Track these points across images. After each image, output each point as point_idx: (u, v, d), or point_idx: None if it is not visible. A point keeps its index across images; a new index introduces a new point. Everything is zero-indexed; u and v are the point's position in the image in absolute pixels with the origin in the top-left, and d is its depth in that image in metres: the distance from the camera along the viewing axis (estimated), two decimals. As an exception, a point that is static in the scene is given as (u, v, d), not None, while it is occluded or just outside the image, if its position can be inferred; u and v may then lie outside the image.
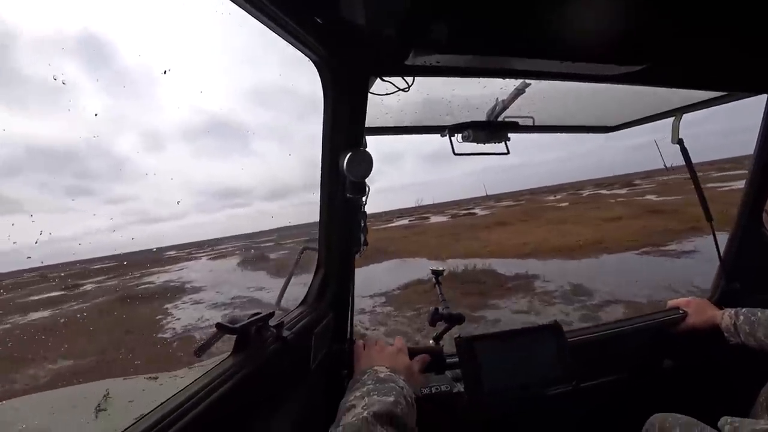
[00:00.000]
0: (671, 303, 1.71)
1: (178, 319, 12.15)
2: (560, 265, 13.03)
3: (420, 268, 15.11)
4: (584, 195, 48.73)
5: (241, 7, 0.75)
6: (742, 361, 1.47)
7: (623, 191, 44.35)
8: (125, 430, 0.62)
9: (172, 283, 20.12)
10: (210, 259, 34.13)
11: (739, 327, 1.44)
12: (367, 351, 1.09)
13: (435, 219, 46.23)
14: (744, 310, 1.45)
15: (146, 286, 20.32)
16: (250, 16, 0.78)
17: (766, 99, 1.52)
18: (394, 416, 0.75)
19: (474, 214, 45.40)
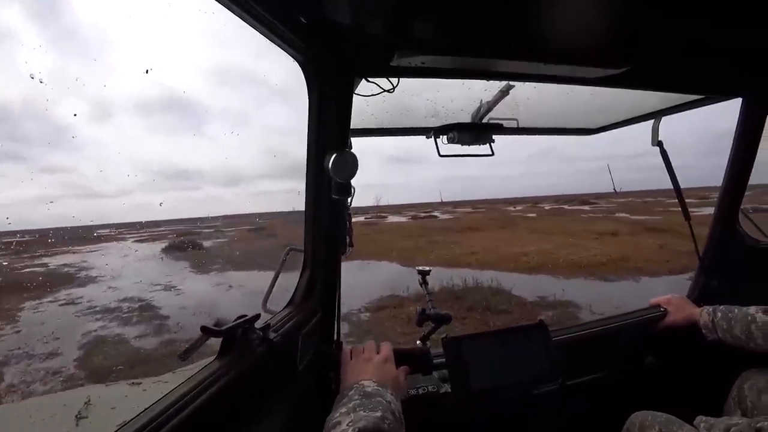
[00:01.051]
0: (652, 301, 1.77)
1: (18, 331, 8.50)
2: (592, 288, 10.43)
3: (392, 276, 12.22)
4: (547, 208, 48.86)
5: (223, 5, 0.75)
6: (719, 357, 1.55)
7: (586, 208, 44.94)
8: None
9: (66, 269, 16.55)
10: (136, 241, 30.21)
11: (717, 324, 1.49)
12: (354, 362, 1.06)
13: (393, 219, 44.64)
14: (722, 307, 1.52)
15: (33, 269, 16.70)
16: (232, 14, 0.78)
17: (740, 102, 1.62)
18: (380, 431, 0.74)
19: (435, 217, 44.06)
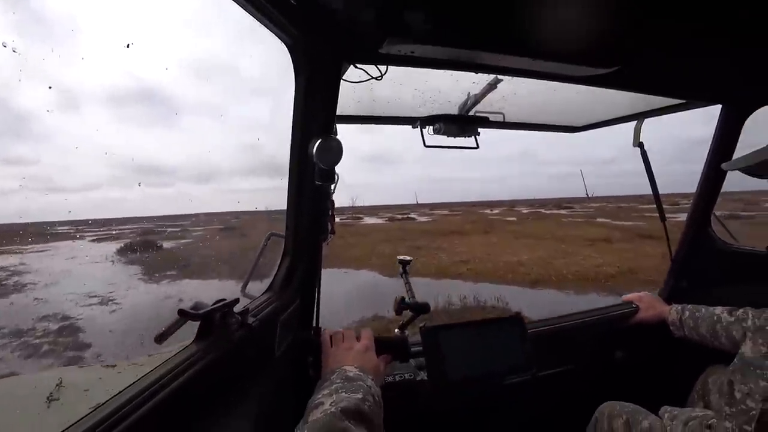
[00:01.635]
0: (624, 298, 1.84)
1: None
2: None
3: (374, 289, 10.77)
4: (525, 212, 49.24)
5: None
6: (685, 353, 1.60)
7: (564, 212, 45.45)
8: (79, 420, 0.57)
9: (-8, 275, 14.83)
10: (93, 240, 27.95)
11: (684, 322, 1.55)
12: (335, 349, 1.07)
13: (370, 220, 44.12)
14: (690, 306, 1.58)
15: (-42, 273, 14.76)
16: None
17: (720, 109, 1.66)
18: (361, 412, 0.76)
19: (413, 219, 43.95)
